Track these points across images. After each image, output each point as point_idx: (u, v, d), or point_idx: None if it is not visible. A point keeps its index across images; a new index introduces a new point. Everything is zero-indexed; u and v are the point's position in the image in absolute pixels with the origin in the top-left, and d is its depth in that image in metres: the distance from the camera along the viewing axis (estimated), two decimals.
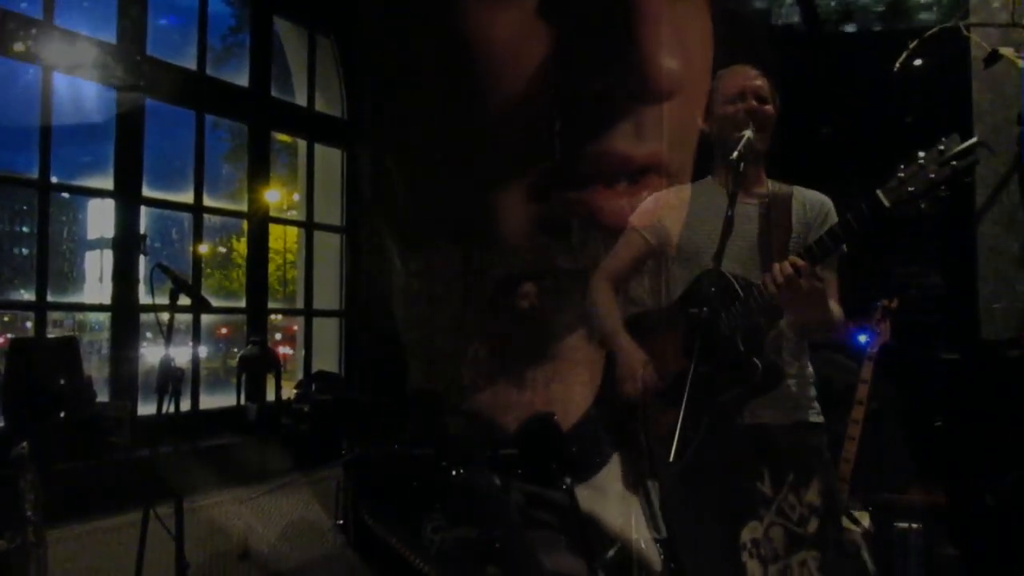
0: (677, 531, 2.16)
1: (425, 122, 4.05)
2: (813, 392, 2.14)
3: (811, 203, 2.12)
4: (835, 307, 2.06)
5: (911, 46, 3.10)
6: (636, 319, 2.31)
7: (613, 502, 2.54)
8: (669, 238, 2.23)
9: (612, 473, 2.39)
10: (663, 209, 2.28)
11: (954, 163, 1.63)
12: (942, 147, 1.65)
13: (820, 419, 2.13)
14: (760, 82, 2.12)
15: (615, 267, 2.37)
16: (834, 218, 2.06)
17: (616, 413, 2.27)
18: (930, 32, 3.13)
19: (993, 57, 3.11)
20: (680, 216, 2.21)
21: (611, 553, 2.93)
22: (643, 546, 2.49)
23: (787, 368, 2.08)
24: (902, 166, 1.69)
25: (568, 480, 2.75)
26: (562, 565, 2.95)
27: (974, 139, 1.63)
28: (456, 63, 3.71)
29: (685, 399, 1.76)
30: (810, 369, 2.16)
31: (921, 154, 1.66)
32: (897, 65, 3.18)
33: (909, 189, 1.68)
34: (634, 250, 2.32)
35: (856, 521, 2.97)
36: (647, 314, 2.37)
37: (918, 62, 3.33)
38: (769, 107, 2.10)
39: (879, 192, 1.74)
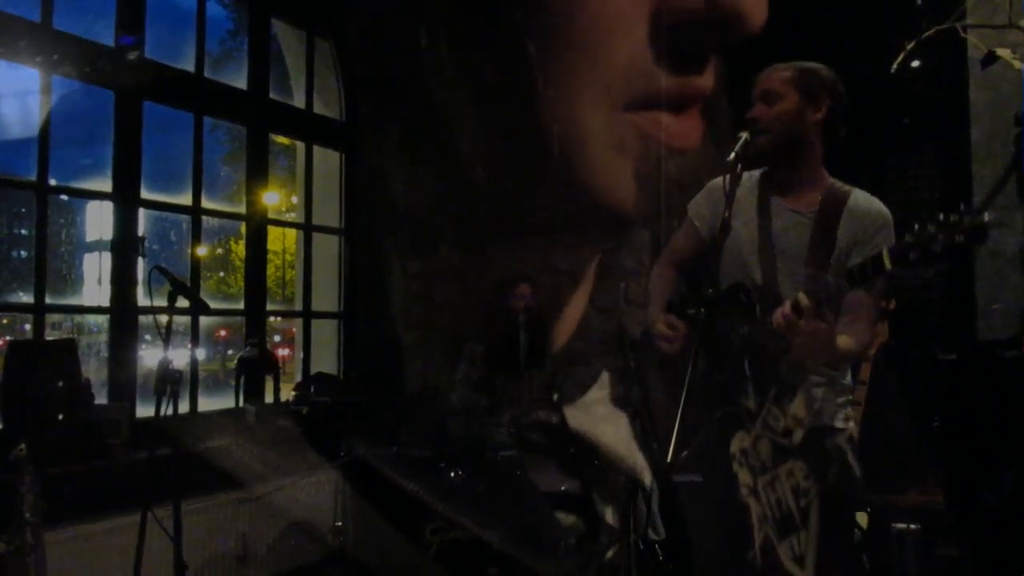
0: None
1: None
2: (843, 399, 2.12)
3: (862, 215, 2.01)
4: (859, 334, 2.00)
5: (908, 47, 3.10)
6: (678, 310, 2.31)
7: (602, 421, 2.54)
8: (716, 228, 2.19)
9: (600, 391, 2.40)
10: (714, 201, 2.22)
11: (961, 238, 1.62)
12: (955, 219, 1.63)
13: (845, 425, 2.11)
14: (773, 80, 2.05)
15: (672, 254, 2.42)
16: (887, 232, 1.98)
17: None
18: (927, 33, 3.13)
19: (990, 58, 3.11)
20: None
21: (610, 554, 2.93)
22: (633, 467, 2.50)
23: (816, 377, 2.07)
24: (915, 227, 1.67)
25: (556, 397, 2.76)
26: (555, 484, 2.97)
27: (986, 217, 1.62)
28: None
29: (683, 401, 1.77)
30: (846, 378, 2.14)
31: (939, 218, 1.64)
32: (894, 66, 3.19)
33: (911, 256, 1.68)
34: (688, 239, 2.34)
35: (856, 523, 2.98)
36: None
37: (915, 63, 3.34)
38: (769, 109, 2.03)
39: (884, 252, 1.72)
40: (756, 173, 2.17)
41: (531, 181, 4.27)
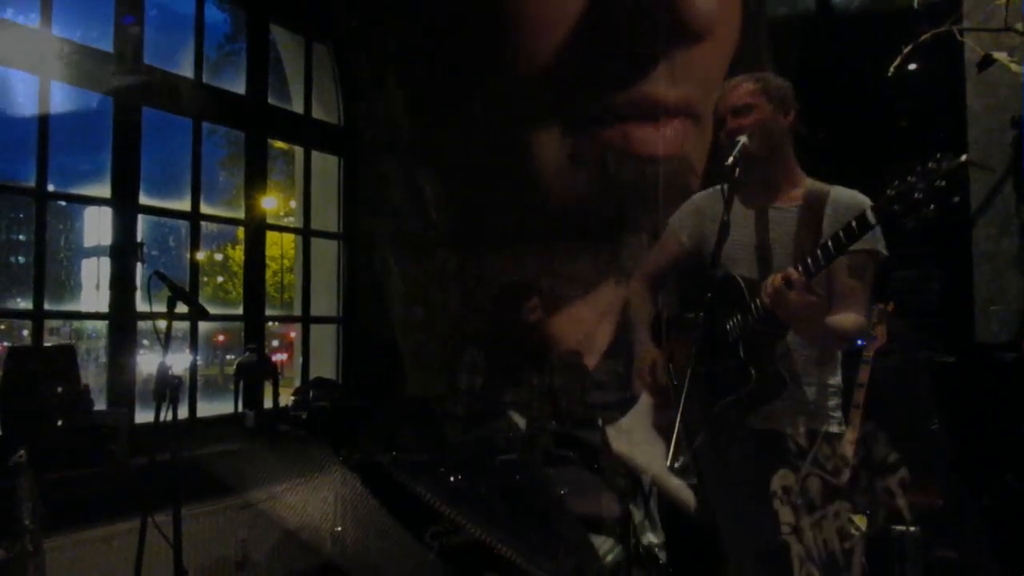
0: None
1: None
2: (835, 402, 2.13)
3: (843, 206, 2.06)
4: (851, 319, 2.03)
5: (905, 51, 3.10)
6: (665, 320, 2.32)
7: (640, 444, 2.54)
8: (704, 241, 2.24)
9: (640, 415, 2.40)
10: (698, 213, 2.30)
11: (942, 183, 1.64)
12: (932, 165, 1.66)
13: (840, 429, 2.12)
14: (741, 93, 2.11)
15: (651, 267, 2.45)
16: (869, 219, 2.02)
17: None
18: (924, 37, 3.13)
19: (987, 61, 3.11)
20: (713, 220, 2.22)
21: (609, 558, 2.93)
22: (668, 488, 2.50)
23: (806, 377, 2.08)
24: (895, 182, 1.70)
25: (600, 420, 2.79)
26: (591, 505, 2.97)
27: (963, 158, 1.64)
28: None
29: (682, 403, 1.77)
30: (836, 379, 2.14)
31: (918, 168, 1.67)
32: (891, 70, 3.19)
33: (895, 208, 1.70)
34: (670, 250, 2.36)
35: (854, 524, 2.97)
36: (674, 317, 2.39)
37: (912, 66, 3.34)
38: (750, 119, 2.08)
39: (868, 210, 1.77)
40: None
41: (519, 187, 4.35)
